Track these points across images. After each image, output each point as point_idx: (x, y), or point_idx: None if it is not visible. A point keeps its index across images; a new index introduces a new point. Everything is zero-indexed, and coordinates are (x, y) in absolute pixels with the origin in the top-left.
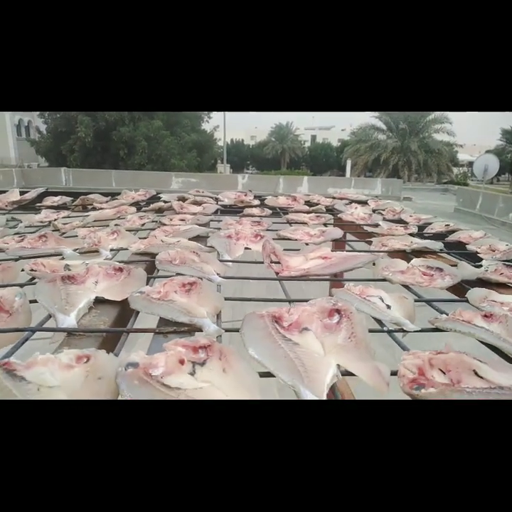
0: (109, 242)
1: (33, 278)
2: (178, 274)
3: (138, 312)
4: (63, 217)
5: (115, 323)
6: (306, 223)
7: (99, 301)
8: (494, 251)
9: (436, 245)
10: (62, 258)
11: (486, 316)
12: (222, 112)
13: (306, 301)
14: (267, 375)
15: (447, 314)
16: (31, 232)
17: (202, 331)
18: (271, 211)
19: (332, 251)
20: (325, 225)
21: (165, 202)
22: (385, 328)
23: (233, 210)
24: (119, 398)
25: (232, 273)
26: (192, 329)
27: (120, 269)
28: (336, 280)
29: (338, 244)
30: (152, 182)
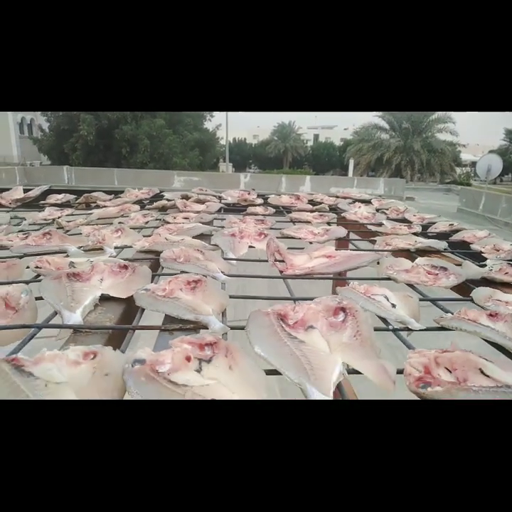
0: (113, 239)
1: (38, 275)
2: (182, 271)
3: (143, 309)
4: (67, 215)
5: (121, 321)
6: (309, 222)
7: (104, 299)
8: (498, 250)
9: (441, 245)
10: (67, 255)
11: (491, 315)
12: (225, 111)
13: (311, 299)
14: (273, 372)
15: (452, 313)
16: (35, 230)
17: (207, 329)
18: (274, 210)
19: (336, 250)
20: (328, 223)
21: (168, 200)
22: (390, 327)
23: (236, 208)
24: (126, 395)
25: (236, 271)
26: (197, 327)
27: (125, 267)
28: (341, 279)
29: (342, 243)
30: (154, 180)
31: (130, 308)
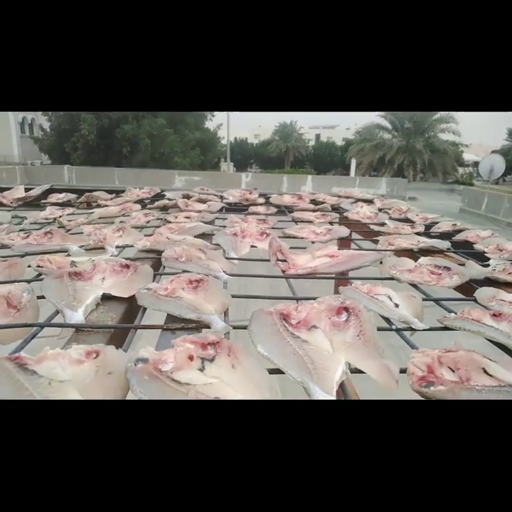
0: (114, 239)
1: (40, 274)
2: (184, 271)
3: (145, 309)
4: (68, 214)
5: (122, 320)
6: (311, 222)
7: (106, 298)
8: (502, 250)
9: (444, 244)
10: (68, 255)
11: (494, 315)
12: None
13: (314, 299)
14: (275, 371)
15: (455, 313)
16: (36, 229)
17: (210, 328)
18: (276, 209)
19: (338, 250)
20: (331, 223)
21: (170, 199)
22: (393, 327)
23: (238, 208)
24: (130, 393)
25: (238, 271)
26: (200, 326)
27: (127, 266)
28: (343, 278)
29: (344, 243)
30: (155, 180)
31: (132, 308)
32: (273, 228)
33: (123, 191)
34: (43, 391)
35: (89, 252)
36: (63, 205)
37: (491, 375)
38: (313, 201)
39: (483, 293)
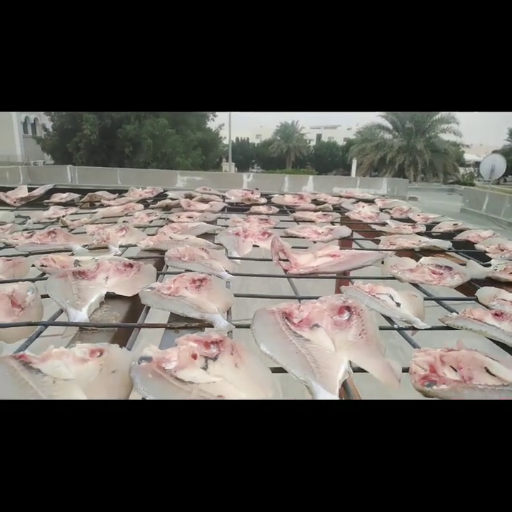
0: (117, 238)
1: (44, 273)
2: (187, 270)
3: (148, 308)
4: (71, 214)
5: (126, 319)
6: (313, 221)
7: (109, 297)
8: (503, 250)
9: (445, 244)
10: (72, 254)
11: (496, 314)
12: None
13: (316, 298)
14: (278, 370)
15: (457, 313)
16: (40, 229)
17: (213, 327)
18: (278, 209)
19: (340, 249)
20: (332, 223)
21: (172, 199)
22: (395, 326)
23: (240, 208)
24: (133, 391)
25: (240, 270)
26: (203, 325)
27: (130, 265)
28: (345, 278)
29: (345, 243)
30: (157, 180)
31: (135, 307)
32: (275, 228)
33: (125, 191)
34: (47, 389)
35: (93, 252)
36: (66, 204)
37: (493, 375)
38: (315, 201)
39: (484, 292)
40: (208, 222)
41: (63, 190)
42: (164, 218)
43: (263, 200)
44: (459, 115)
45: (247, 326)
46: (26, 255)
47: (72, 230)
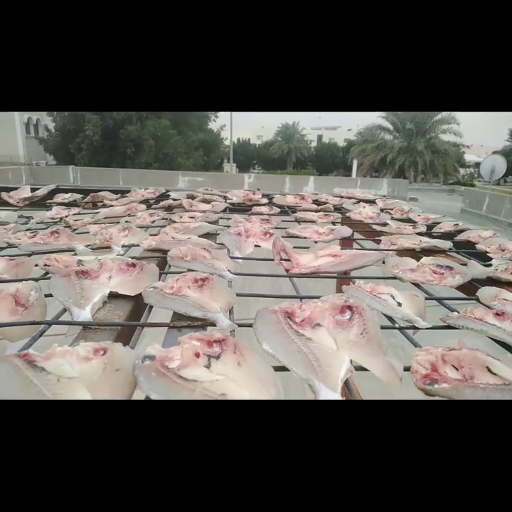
0: (120, 238)
1: (47, 273)
2: (189, 270)
3: (151, 307)
4: (74, 214)
5: (129, 318)
6: (314, 222)
7: (113, 296)
8: (504, 250)
9: (446, 244)
10: (75, 254)
11: (497, 314)
12: (229, 112)
13: (317, 297)
14: (280, 369)
15: (458, 312)
16: (43, 229)
17: (215, 326)
18: (279, 210)
19: (341, 249)
20: (333, 223)
21: (174, 200)
22: (396, 325)
23: (242, 208)
24: (137, 390)
25: (241, 270)
26: (205, 324)
27: (133, 265)
28: (347, 278)
29: (347, 243)
30: (159, 181)
31: (138, 306)
32: (276, 228)
33: (127, 192)
34: (51, 387)
35: (96, 251)
36: (69, 205)
37: (494, 374)
38: (316, 202)
39: (485, 292)
40: (209, 223)
41: (66, 191)
42: (166, 218)
43: (264, 200)
44: (460, 116)
45: (250, 325)
46: (29, 255)
47: (74, 230)
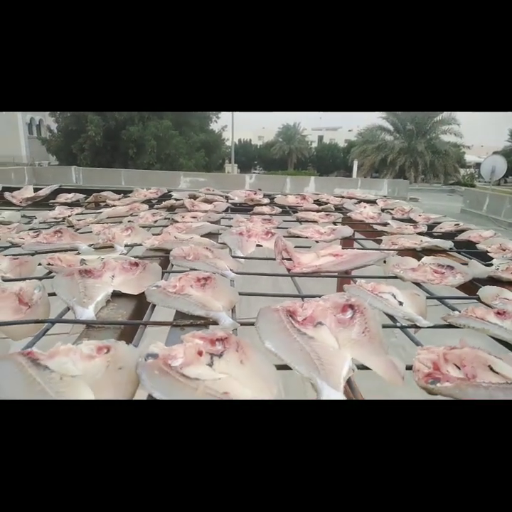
0: (123, 238)
1: (50, 272)
2: (192, 269)
3: (154, 305)
4: (77, 214)
5: (132, 316)
6: (316, 221)
7: (115, 295)
8: (504, 250)
9: (447, 244)
10: (78, 253)
11: (498, 313)
12: (231, 112)
13: (319, 296)
14: (283, 367)
15: (459, 312)
16: (46, 228)
17: (218, 324)
18: (280, 209)
19: (342, 249)
20: (334, 223)
21: (176, 200)
22: (398, 324)
23: (243, 208)
24: (140, 388)
25: (243, 269)
26: (208, 322)
27: (136, 264)
28: (348, 277)
29: (347, 243)
30: (161, 181)
31: (141, 305)
32: (278, 228)
33: (129, 192)
34: (54, 386)
35: (99, 251)
36: (72, 205)
37: (496, 372)
38: (317, 202)
39: (486, 291)
40: (211, 222)
41: (68, 191)
42: (169, 218)
43: (266, 200)
44: (460, 116)
45: (252, 324)
46: (32, 254)
47: (77, 229)
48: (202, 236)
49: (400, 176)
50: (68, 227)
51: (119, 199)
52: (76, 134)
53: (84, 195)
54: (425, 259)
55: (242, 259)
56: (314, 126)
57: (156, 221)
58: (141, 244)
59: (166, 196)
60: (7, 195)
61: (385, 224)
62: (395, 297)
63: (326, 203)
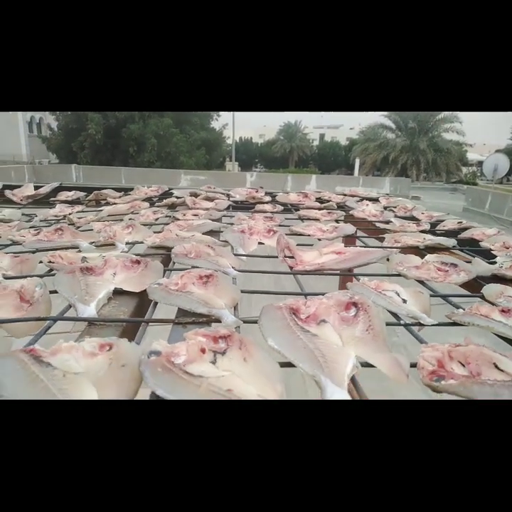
0: (124, 235)
1: (51, 270)
2: (193, 267)
3: (156, 303)
4: (77, 212)
5: (134, 314)
6: (318, 219)
7: (117, 292)
8: (508, 248)
9: (450, 242)
10: (79, 251)
11: (503, 310)
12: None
13: (322, 294)
14: (286, 365)
15: (463, 309)
16: (46, 226)
17: (220, 322)
18: (282, 207)
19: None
20: (337, 221)
21: (178, 198)
22: (401, 322)
23: (245, 206)
24: (143, 385)
25: (245, 267)
26: (210, 320)
27: (137, 262)
28: (351, 275)
29: (350, 241)
30: (161, 179)
31: (143, 302)
32: (280, 226)
33: (130, 190)
34: (57, 383)
35: (100, 249)
36: (72, 202)
37: (501, 370)
38: (319, 199)
39: (490, 289)
40: (213, 220)
41: (69, 189)
42: (170, 216)
43: (268, 198)
44: (462, 114)
45: (254, 322)
46: (33, 252)
47: (78, 227)
48: (203, 234)
49: (402, 174)
50: (69, 225)
51: (120, 197)
52: (76, 132)
53: (85, 193)
54: (429, 257)
55: (244, 257)
56: (316, 124)
57: (157, 219)
58: (142, 242)
59: (167, 194)
60: (7, 193)
61: (388, 222)
62: (398, 295)
63: (328, 201)
